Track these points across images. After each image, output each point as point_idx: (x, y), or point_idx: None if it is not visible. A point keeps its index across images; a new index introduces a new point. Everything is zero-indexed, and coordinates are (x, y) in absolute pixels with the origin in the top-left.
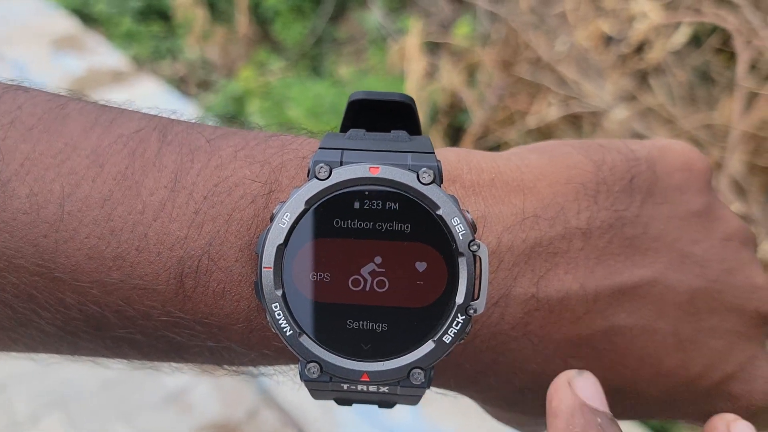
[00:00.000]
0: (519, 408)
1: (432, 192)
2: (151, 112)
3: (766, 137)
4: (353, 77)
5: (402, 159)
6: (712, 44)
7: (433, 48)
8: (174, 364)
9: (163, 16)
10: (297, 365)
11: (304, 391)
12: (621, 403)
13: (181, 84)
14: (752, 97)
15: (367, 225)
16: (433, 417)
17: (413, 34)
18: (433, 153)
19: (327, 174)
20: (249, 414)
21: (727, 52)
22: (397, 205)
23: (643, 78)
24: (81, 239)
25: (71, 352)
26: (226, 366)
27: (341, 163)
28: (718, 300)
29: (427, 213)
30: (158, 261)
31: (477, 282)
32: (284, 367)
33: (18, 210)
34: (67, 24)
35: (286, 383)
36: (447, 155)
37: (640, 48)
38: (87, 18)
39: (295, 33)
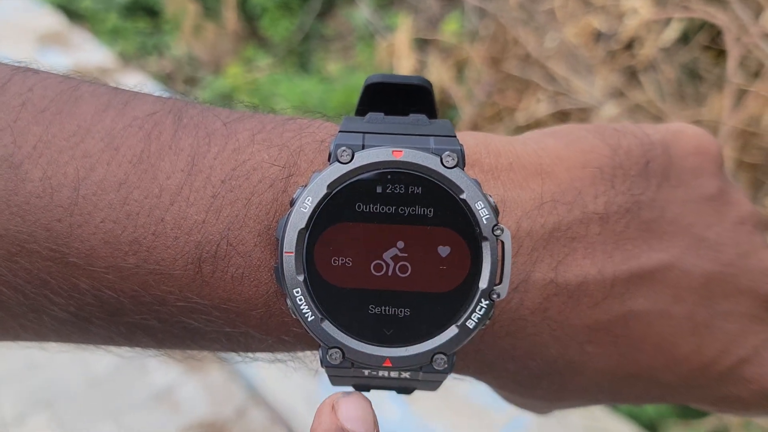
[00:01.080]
0: (535, 393)
1: (456, 176)
2: (164, 95)
3: (753, 134)
4: (341, 74)
5: (425, 142)
6: (701, 41)
7: (421, 44)
8: (189, 352)
9: (150, 12)
10: (313, 351)
11: (293, 389)
12: (635, 388)
13: (167, 80)
14: (741, 94)
15: (389, 209)
16: (423, 414)
17: (402, 30)
18: (456, 137)
19: (349, 157)
20: (237, 412)
21: (715, 49)
22: (420, 189)
23: (632, 74)
24: (96, 223)
25: (83, 339)
26: (241, 353)
27: (363, 147)
28: (732, 284)
29: (450, 197)
30: (175, 245)
31: (500, 267)
32: (299, 354)
33: (31, 194)
34: (52, 20)
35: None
36: (466, 139)
37: (630, 44)
38: (73, 14)
39: (283, 29)
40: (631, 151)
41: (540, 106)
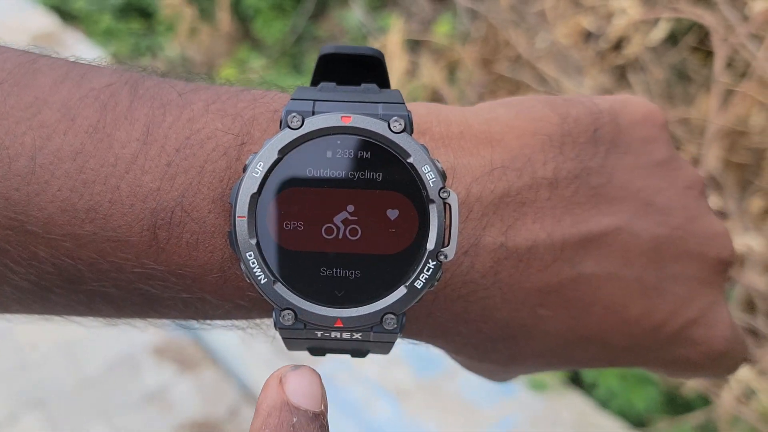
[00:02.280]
0: (489, 357)
1: (403, 140)
2: (121, 68)
3: (741, 133)
4: None
5: (373, 109)
6: (689, 43)
7: (413, 46)
8: (147, 320)
9: (143, 13)
10: (270, 318)
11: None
12: (587, 351)
13: None
14: (728, 94)
15: (339, 174)
16: (414, 413)
17: (395, 32)
18: (404, 103)
19: (299, 123)
20: (230, 412)
21: (703, 50)
22: (368, 153)
23: (621, 75)
24: (53, 192)
25: (44, 309)
26: (199, 320)
27: (313, 113)
28: (681, 247)
29: (398, 161)
30: (131, 213)
31: (447, 229)
32: (257, 321)
33: None
34: (46, 21)
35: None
36: (417, 108)
37: (619, 44)
38: (66, 15)
39: (276, 31)
40: (580, 119)
41: None
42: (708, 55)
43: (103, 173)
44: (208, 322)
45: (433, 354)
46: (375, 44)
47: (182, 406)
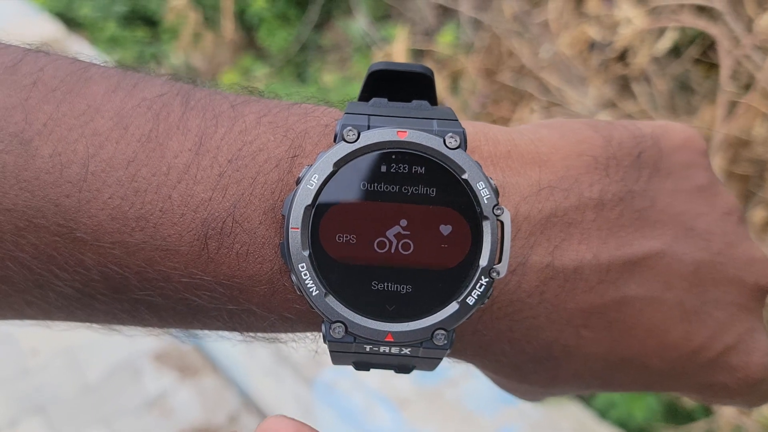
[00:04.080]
0: (529, 378)
1: (458, 156)
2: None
3: (743, 145)
4: (337, 84)
5: (428, 125)
6: (692, 55)
7: (417, 55)
8: (190, 330)
9: (148, 21)
10: (313, 332)
11: (286, 396)
12: (626, 374)
13: None
14: (732, 106)
15: (393, 188)
16: (414, 421)
17: (399, 41)
18: (458, 120)
19: (355, 137)
20: (230, 418)
21: (706, 63)
22: (423, 168)
23: (624, 86)
24: (104, 199)
25: (87, 316)
26: (243, 332)
27: (368, 127)
28: (720, 272)
29: (452, 177)
30: (182, 222)
31: (499, 246)
32: (299, 334)
33: (40, 169)
34: (51, 28)
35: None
36: (465, 127)
37: (623, 55)
38: (71, 22)
39: (280, 40)
40: (623, 143)
41: (534, 117)
42: (711, 67)
43: (155, 182)
44: (251, 334)
45: None
46: (379, 54)
47: (182, 413)
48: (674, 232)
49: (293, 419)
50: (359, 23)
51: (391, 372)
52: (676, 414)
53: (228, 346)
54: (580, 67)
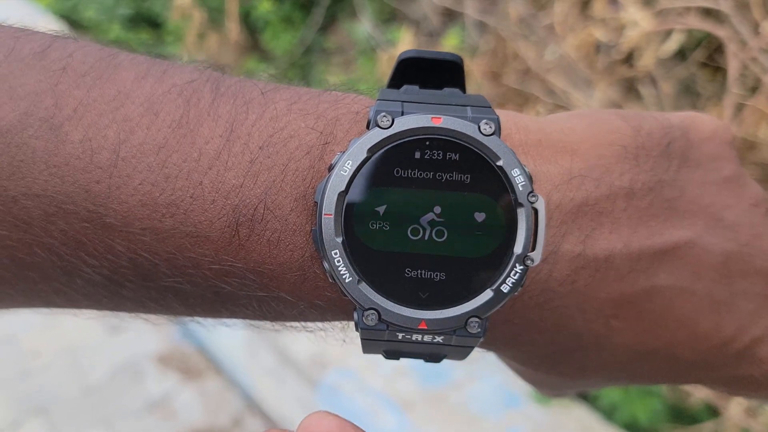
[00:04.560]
0: (557, 369)
1: (493, 143)
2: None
3: (749, 147)
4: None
5: (462, 112)
6: (698, 58)
7: None
8: (218, 318)
9: (153, 24)
10: (342, 321)
11: (289, 399)
12: (655, 366)
13: None
14: (738, 109)
15: (427, 175)
16: (419, 424)
17: (404, 43)
18: (491, 107)
19: (389, 123)
20: (233, 420)
21: (712, 66)
22: (457, 155)
23: (630, 88)
24: (134, 185)
25: (113, 305)
26: (272, 320)
27: (402, 114)
28: (749, 263)
29: (487, 164)
30: (213, 209)
31: (533, 233)
32: (327, 324)
33: (70, 155)
34: (55, 29)
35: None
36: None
37: (629, 57)
38: (76, 24)
39: (285, 42)
40: (653, 133)
41: None
42: (716, 70)
43: (186, 168)
44: (279, 323)
45: (439, 365)
46: (384, 56)
47: (185, 415)
48: (703, 222)
49: (337, 416)
50: (364, 26)
51: (395, 374)
52: (681, 415)
53: (232, 349)
54: (585, 69)
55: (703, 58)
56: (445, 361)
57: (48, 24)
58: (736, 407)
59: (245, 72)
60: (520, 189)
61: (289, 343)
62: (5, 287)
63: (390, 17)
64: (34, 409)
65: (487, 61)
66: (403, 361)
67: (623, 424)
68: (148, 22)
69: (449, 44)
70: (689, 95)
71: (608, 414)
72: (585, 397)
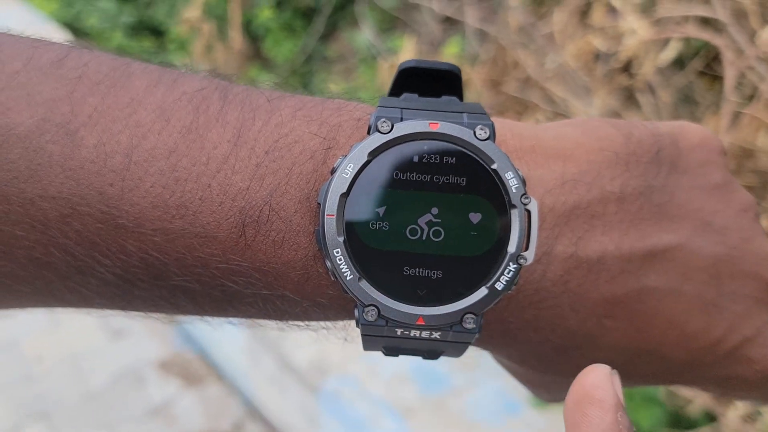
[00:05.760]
0: (553, 367)
1: (488, 147)
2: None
3: (747, 156)
4: (343, 94)
5: (458, 118)
6: (696, 67)
7: None
8: (225, 317)
9: (155, 32)
10: (344, 320)
11: (290, 405)
12: (648, 365)
13: None
14: (735, 117)
15: (425, 177)
16: (419, 430)
17: (405, 52)
18: (487, 114)
19: (389, 128)
20: (234, 427)
21: (709, 75)
22: (454, 159)
23: (629, 97)
24: (146, 188)
25: (125, 303)
26: (276, 318)
27: (401, 120)
28: (737, 266)
29: (482, 167)
30: (220, 210)
31: (526, 234)
32: (329, 323)
33: (85, 159)
34: (58, 37)
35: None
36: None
37: (628, 66)
38: (78, 32)
39: (286, 50)
40: (643, 140)
41: None
42: (714, 79)
43: (195, 172)
44: (284, 322)
45: (439, 372)
46: (385, 65)
47: (186, 421)
48: (692, 226)
49: (615, 373)
50: (365, 34)
51: (396, 381)
52: (680, 422)
53: (233, 355)
54: (585, 77)
55: (702, 67)
56: (445, 367)
57: (51, 32)
58: (733, 413)
59: (247, 80)
60: (514, 191)
61: (290, 349)
62: (22, 286)
63: (391, 26)
64: (36, 415)
65: (488, 69)
66: (404, 367)
67: None
68: (151, 30)
69: (450, 52)
70: (688, 104)
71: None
72: None
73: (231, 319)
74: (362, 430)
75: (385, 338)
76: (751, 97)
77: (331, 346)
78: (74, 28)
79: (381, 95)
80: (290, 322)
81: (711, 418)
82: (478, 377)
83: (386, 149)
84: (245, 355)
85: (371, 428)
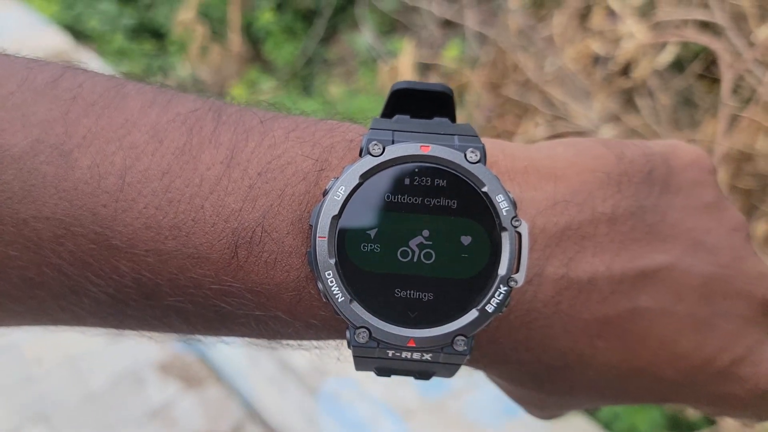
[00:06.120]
0: (545, 387)
1: (478, 170)
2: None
3: (746, 159)
4: (343, 97)
5: (449, 141)
6: (694, 70)
7: (422, 69)
8: (218, 337)
9: (156, 34)
10: (336, 340)
11: (290, 407)
12: (640, 385)
13: None
14: (733, 120)
15: (416, 200)
16: (418, 431)
17: (405, 55)
18: (477, 136)
19: (380, 151)
20: (234, 428)
21: (708, 78)
22: (445, 182)
23: (628, 100)
24: (139, 209)
25: (117, 322)
26: (269, 338)
27: (393, 142)
28: (729, 285)
29: (473, 190)
30: (213, 231)
31: (517, 256)
32: (322, 343)
33: (79, 180)
34: (59, 39)
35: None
36: (484, 142)
37: (626, 69)
38: (79, 34)
39: (286, 53)
40: (635, 160)
41: (538, 130)
42: (713, 82)
43: (188, 193)
44: (276, 342)
45: None
46: (385, 67)
47: (186, 423)
48: (684, 246)
49: None
50: (365, 37)
51: (396, 382)
52: (679, 426)
53: (232, 357)
54: (584, 80)
55: (701, 71)
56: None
57: (52, 34)
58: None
59: (247, 82)
60: (504, 214)
61: (290, 351)
62: (15, 305)
63: (391, 29)
64: (35, 417)
65: (487, 72)
66: None
67: None
68: (151, 32)
69: (449, 55)
70: (687, 107)
71: (608, 424)
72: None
73: (224, 338)
74: (362, 431)
75: (376, 359)
76: (749, 100)
77: (325, 357)
78: (75, 30)
79: (381, 96)
80: (283, 342)
81: (710, 421)
82: (478, 379)
83: (378, 172)
84: (245, 357)
85: (371, 429)
